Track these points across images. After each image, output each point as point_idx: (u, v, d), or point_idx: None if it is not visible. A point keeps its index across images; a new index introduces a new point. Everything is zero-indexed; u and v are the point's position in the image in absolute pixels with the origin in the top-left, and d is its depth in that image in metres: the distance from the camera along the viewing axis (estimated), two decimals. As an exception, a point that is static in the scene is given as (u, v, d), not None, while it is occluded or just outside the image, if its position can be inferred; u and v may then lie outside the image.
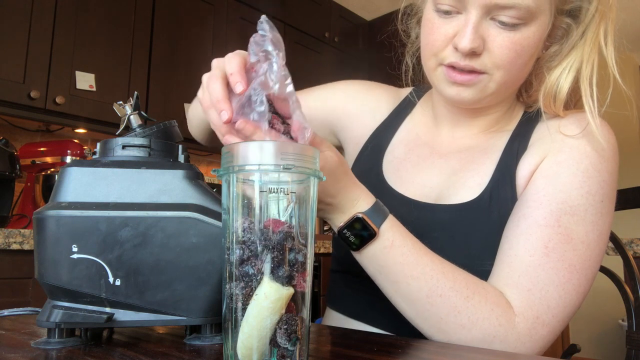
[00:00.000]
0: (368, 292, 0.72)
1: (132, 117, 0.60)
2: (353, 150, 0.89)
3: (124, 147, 0.54)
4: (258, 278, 0.37)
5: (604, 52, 0.71)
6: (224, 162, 0.40)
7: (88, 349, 0.48)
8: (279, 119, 0.52)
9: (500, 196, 0.68)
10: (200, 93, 0.58)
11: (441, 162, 0.77)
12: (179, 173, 0.52)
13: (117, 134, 0.60)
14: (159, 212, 0.49)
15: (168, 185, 0.52)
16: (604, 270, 0.99)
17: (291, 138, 0.50)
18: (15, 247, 1.55)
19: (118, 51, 2.21)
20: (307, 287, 0.39)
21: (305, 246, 0.40)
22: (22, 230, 1.58)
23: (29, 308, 0.70)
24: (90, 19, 2.13)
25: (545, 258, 0.60)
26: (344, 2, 3.34)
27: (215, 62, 0.58)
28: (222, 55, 0.58)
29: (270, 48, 0.48)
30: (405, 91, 0.91)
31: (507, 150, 0.72)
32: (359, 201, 0.58)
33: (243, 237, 0.38)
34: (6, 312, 0.69)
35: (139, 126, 0.59)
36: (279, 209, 0.39)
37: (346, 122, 0.90)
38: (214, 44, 2.58)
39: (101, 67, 2.14)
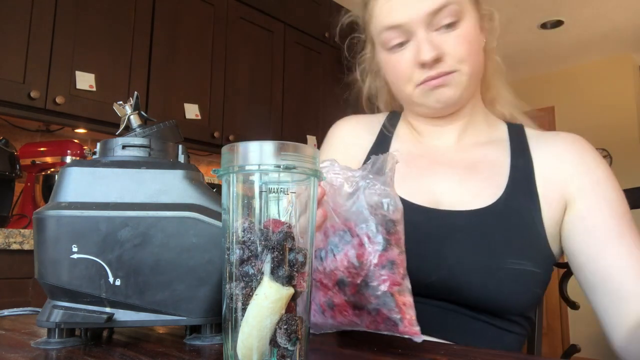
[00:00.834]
0: None
1: (132, 117, 0.60)
2: None
3: (124, 147, 0.54)
4: (258, 278, 0.37)
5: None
6: (224, 162, 0.40)
7: (88, 349, 0.48)
8: None
9: (517, 204, 0.74)
10: None
11: (444, 170, 0.80)
12: (179, 173, 0.52)
13: (117, 134, 0.60)
14: (159, 212, 0.49)
15: (168, 185, 0.52)
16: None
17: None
18: (15, 247, 1.55)
19: (118, 51, 2.21)
20: (307, 287, 0.39)
21: (305, 246, 0.40)
22: (22, 230, 1.58)
23: (29, 308, 0.70)
24: (90, 19, 2.13)
25: None
26: (344, 2, 3.35)
27: None
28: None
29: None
30: (381, 117, 0.94)
31: (514, 165, 0.79)
32: None
33: (243, 237, 0.38)
34: (6, 312, 0.69)
35: (139, 126, 0.59)
36: (279, 209, 0.39)
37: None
38: (214, 44, 2.58)
39: (101, 67, 2.14)
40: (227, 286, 0.39)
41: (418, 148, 0.86)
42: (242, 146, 0.39)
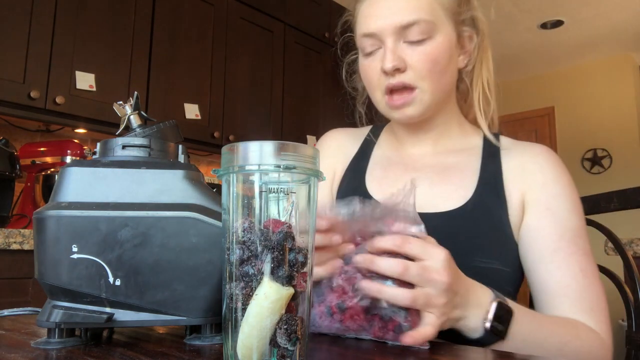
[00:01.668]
0: None
1: (132, 117, 0.59)
2: (336, 184, 0.94)
3: (124, 147, 0.54)
4: (258, 278, 0.37)
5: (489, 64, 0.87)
6: (224, 162, 0.40)
7: (88, 349, 0.48)
8: None
9: (484, 206, 0.78)
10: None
11: (418, 175, 0.85)
12: (179, 173, 0.52)
13: (117, 134, 0.60)
14: (159, 212, 0.49)
15: (168, 185, 0.52)
16: (603, 270, 0.99)
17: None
18: (15, 247, 1.55)
19: (118, 51, 2.21)
20: (307, 287, 0.39)
21: (306, 246, 0.40)
22: (22, 230, 1.58)
23: (29, 308, 0.70)
24: (90, 19, 2.13)
25: (584, 279, 0.72)
26: (344, 2, 3.35)
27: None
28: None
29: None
30: (365, 130, 1.00)
31: (484, 170, 0.83)
32: (482, 289, 0.61)
33: (243, 237, 0.38)
34: (6, 312, 0.69)
35: (139, 126, 0.59)
36: (279, 209, 0.39)
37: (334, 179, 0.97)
38: (214, 44, 2.58)
39: (101, 67, 2.14)
40: (227, 286, 0.39)
41: (396, 155, 0.91)
42: (242, 146, 0.39)
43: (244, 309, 0.37)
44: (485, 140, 0.88)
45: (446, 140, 0.88)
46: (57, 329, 0.49)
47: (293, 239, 0.39)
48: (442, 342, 0.58)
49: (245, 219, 0.39)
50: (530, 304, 0.80)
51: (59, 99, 1.98)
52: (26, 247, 1.57)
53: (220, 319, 0.51)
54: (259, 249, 0.38)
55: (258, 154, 0.38)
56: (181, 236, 0.50)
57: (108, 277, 0.48)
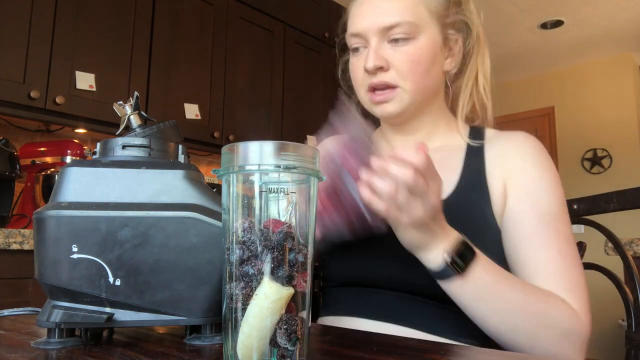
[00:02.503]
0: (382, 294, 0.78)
1: (132, 117, 0.60)
2: None
3: (124, 147, 0.54)
4: (258, 278, 0.37)
5: (487, 65, 0.89)
6: (224, 162, 0.40)
7: (88, 349, 0.48)
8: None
9: (467, 199, 0.80)
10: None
11: None
12: (179, 173, 0.52)
13: (117, 134, 0.60)
14: (159, 212, 0.49)
15: (168, 185, 0.52)
16: (603, 270, 0.99)
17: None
18: (15, 247, 1.55)
19: (118, 51, 2.21)
20: (307, 287, 0.39)
21: (305, 246, 0.40)
22: (22, 230, 1.58)
23: (29, 308, 0.70)
24: (90, 19, 2.13)
25: (563, 261, 0.73)
26: (344, 2, 3.35)
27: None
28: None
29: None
30: None
31: (467, 165, 0.84)
32: (453, 230, 0.66)
33: (243, 237, 0.38)
34: (6, 312, 0.69)
35: (139, 126, 0.59)
36: (279, 209, 0.39)
37: None
38: (214, 44, 2.58)
39: (101, 67, 2.14)
40: (227, 286, 0.39)
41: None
42: (242, 146, 0.39)
43: (244, 309, 0.37)
44: (471, 135, 0.90)
45: (434, 140, 0.90)
46: (57, 329, 0.49)
47: (293, 239, 0.39)
48: (443, 342, 0.58)
49: (245, 219, 0.39)
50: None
51: (59, 99, 1.98)
52: (26, 247, 1.57)
53: (220, 319, 0.51)
54: (259, 249, 0.38)
55: (258, 154, 0.38)
56: (181, 236, 0.50)
57: (108, 277, 0.49)
